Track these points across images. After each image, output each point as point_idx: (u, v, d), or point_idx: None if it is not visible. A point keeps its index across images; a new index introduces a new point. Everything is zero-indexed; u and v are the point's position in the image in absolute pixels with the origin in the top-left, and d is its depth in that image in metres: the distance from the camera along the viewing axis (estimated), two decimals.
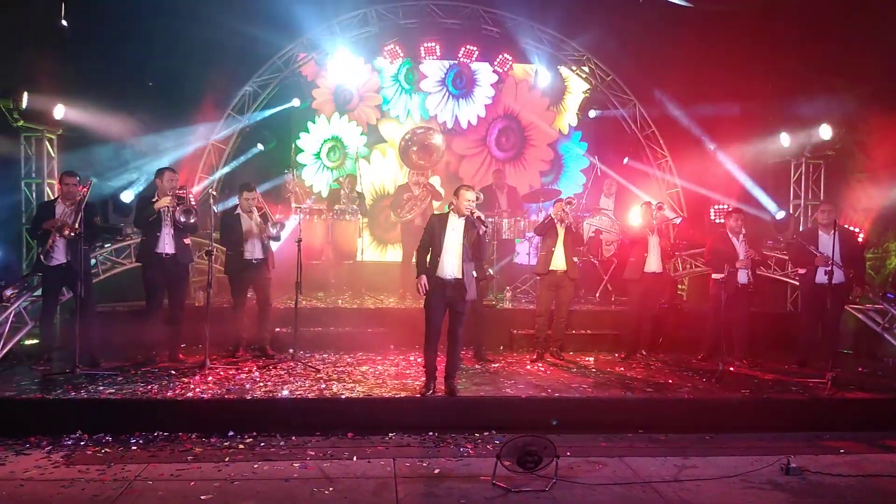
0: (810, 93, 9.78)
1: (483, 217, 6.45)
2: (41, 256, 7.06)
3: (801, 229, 9.39)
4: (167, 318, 7.43)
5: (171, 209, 7.21)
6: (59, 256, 7.10)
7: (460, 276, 6.31)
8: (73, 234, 6.92)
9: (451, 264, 6.31)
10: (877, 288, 8.57)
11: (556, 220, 7.95)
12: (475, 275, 6.55)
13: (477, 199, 7.86)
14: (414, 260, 6.60)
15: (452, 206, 6.46)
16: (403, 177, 11.48)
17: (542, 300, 8.11)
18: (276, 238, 7.89)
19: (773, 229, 10.14)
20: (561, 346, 8.17)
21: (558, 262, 7.89)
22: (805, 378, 7.28)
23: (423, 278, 6.32)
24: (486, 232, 6.50)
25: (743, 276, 7.80)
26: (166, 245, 7.23)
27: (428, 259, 6.42)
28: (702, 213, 11.05)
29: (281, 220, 7.82)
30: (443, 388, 6.46)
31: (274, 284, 7.89)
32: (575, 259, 8.04)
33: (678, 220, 10.90)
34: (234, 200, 10.33)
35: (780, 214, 10.03)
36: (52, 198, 7.84)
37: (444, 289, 6.32)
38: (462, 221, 6.38)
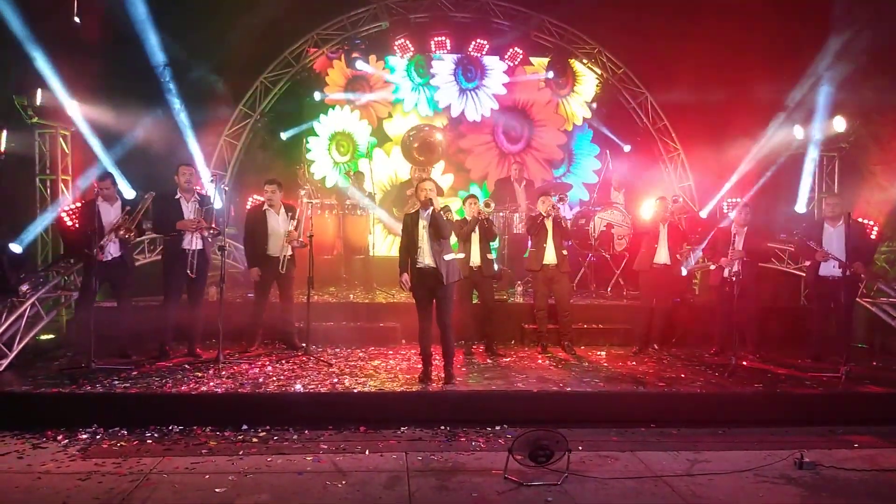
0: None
1: (432, 198, 6.66)
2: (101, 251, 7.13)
3: (805, 223, 9.32)
4: (189, 313, 7.49)
5: (196, 208, 7.33)
6: (108, 252, 7.20)
7: (434, 265, 6.61)
8: (130, 236, 7.19)
9: (425, 255, 6.65)
10: (891, 281, 8.49)
11: (544, 217, 7.96)
12: (447, 259, 6.71)
13: (486, 205, 7.92)
14: (399, 259, 6.86)
15: (419, 203, 6.77)
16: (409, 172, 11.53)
17: (538, 295, 8.20)
18: (299, 245, 7.77)
19: (785, 222, 10.07)
20: (571, 339, 8.17)
21: (549, 257, 7.96)
22: (819, 372, 7.23)
23: (405, 276, 6.68)
24: (437, 210, 6.65)
25: (734, 267, 7.69)
26: (194, 241, 7.31)
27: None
28: (716, 207, 10.99)
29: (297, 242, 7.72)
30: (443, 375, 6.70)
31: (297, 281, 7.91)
32: (564, 252, 8.08)
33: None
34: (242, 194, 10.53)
35: (803, 208, 9.95)
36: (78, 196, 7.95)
37: (424, 279, 6.64)
38: (428, 213, 6.68)
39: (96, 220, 7.07)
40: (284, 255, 7.64)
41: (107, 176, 7.51)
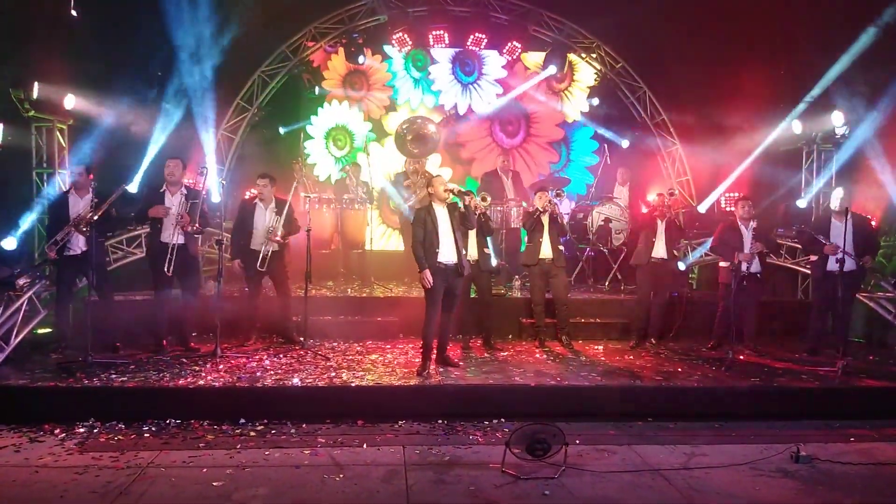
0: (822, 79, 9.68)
1: (459, 189, 6.93)
2: (55, 247, 7.10)
3: (813, 217, 9.33)
4: (183, 308, 7.49)
5: (181, 201, 7.27)
6: (75, 247, 7.18)
7: (457, 260, 6.78)
8: (86, 231, 7.00)
9: (448, 251, 6.75)
10: (888, 276, 8.51)
11: (541, 212, 7.98)
12: (465, 252, 6.96)
13: (483, 199, 7.96)
14: (413, 253, 6.85)
15: (432, 197, 6.88)
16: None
17: (534, 289, 8.21)
18: (280, 242, 7.69)
19: (784, 217, 10.07)
20: (568, 333, 8.18)
21: (545, 251, 7.99)
22: (815, 366, 7.26)
23: (427, 272, 6.67)
24: (468, 206, 6.88)
25: (753, 265, 7.74)
26: (172, 236, 7.24)
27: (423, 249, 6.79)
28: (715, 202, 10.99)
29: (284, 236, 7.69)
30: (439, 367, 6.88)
31: (290, 274, 7.89)
32: (560, 248, 8.10)
33: None
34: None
35: (802, 203, 9.96)
36: (65, 189, 7.90)
37: (445, 274, 6.74)
38: (444, 208, 6.82)
39: (64, 214, 7.04)
40: (267, 251, 7.59)
41: (80, 163, 7.42)
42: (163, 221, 7.24)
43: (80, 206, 7.22)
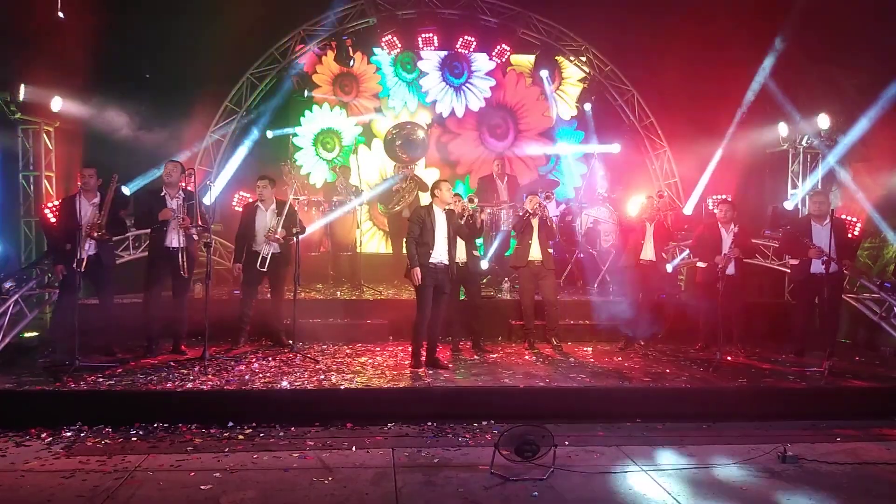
0: (809, 82, 9.77)
1: (466, 205, 7.19)
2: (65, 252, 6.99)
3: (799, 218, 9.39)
4: (174, 310, 7.45)
5: (178, 204, 7.24)
6: (89, 249, 7.05)
7: (448, 262, 6.97)
8: (100, 235, 6.98)
9: (441, 252, 6.94)
10: (874, 277, 8.58)
11: (531, 214, 8.01)
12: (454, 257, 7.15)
13: (470, 200, 8.02)
14: (405, 251, 7.03)
15: (435, 199, 7.05)
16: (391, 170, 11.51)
17: (524, 292, 8.26)
18: (283, 240, 7.68)
19: (772, 219, 10.14)
20: (558, 335, 8.21)
21: (535, 253, 8.06)
22: (802, 367, 7.32)
23: (417, 270, 6.81)
24: (472, 216, 7.19)
25: (729, 267, 7.73)
26: (175, 239, 7.24)
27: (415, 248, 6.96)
28: (700, 204, 11.04)
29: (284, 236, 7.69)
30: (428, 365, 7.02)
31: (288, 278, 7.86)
32: (550, 250, 8.16)
33: None
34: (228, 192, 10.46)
35: (790, 205, 10.04)
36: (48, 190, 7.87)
37: (435, 273, 6.91)
38: (444, 212, 7.02)
39: (74, 219, 6.93)
40: (267, 252, 7.58)
41: (90, 165, 7.32)
42: (169, 225, 7.22)
43: (88, 209, 7.11)
